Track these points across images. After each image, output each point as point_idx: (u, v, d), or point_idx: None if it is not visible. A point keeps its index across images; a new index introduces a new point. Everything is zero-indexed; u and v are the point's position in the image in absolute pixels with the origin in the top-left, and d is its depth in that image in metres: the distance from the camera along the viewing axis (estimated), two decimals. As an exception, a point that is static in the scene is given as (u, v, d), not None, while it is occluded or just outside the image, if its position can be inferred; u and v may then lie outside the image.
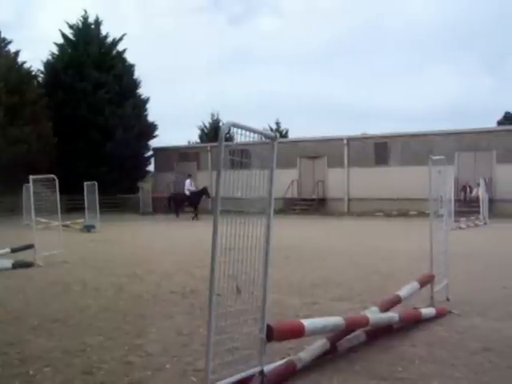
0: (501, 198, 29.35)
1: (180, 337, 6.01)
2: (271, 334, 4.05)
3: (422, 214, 24.22)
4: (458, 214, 25.06)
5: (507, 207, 28.66)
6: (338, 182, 34.23)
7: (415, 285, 6.75)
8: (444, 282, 7.56)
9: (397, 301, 6.24)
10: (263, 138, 4.23)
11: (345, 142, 34.52)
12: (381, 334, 5.76)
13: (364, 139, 35.09)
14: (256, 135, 4.01)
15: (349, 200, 34.02)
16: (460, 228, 21.09)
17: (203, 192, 31.22)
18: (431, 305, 6.92)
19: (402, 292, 6.44)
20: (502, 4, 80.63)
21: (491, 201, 27.67)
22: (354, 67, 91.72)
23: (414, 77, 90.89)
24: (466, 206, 29.06)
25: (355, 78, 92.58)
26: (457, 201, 27.79)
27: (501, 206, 28.96)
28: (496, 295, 8.07)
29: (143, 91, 41.34)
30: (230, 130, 3.65)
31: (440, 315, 6.71)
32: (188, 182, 31.67)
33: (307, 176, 35.64)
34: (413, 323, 6.25)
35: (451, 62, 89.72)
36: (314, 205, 34.29)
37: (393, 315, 5.76)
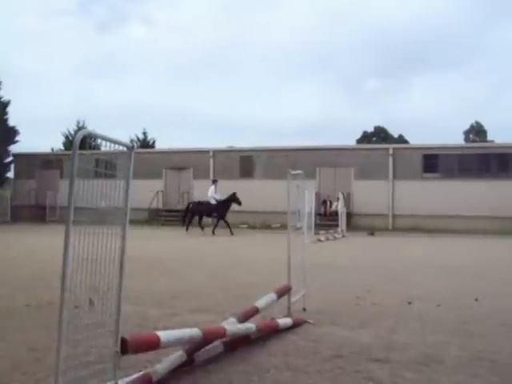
0: (358, 211, 30.94)
1: (32, 352, 5.72)
2: (125, 347, 3.97)
3: (284, 227, 24.78)
4: (319, 226, 26.11)
5: (363, 220, 30.25)
6: (203, 193, 34.33)
7: (273, 296, 6.90)
8: (301, 292, 7.80)
9: (254, 311, 6.35)
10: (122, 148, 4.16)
11: (211, 154, 34.86)
12: (239, 344, 5.83)
13: (230, 152, 35.57)
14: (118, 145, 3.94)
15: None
16: (320, 240, 21.89)
17: (232, 200, 27.13)
18: (288, 315, 7.11)
19: (260, 303, 6.56)
20: (361, 28, 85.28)
21: (349, 214, 29.09)
22: (222, 80, 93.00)
23: (280, 93, 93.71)
24: (326, 219, 30.33)
25: (223, 90, 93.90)
26: (317, 214, 28.93)
27: (357, 220, 30.52)
28: (349, 305, 8.44)
29: (3, 94, 39.40)
30: (90, 138, 3.58)
31: (297, 325, 6.89)
32: (212, 188, 27.12)
33: (173, 187, 35.51)
34: (270, 333, 6.38)
35: (314, 81, 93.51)
36: (179, 216, 34.19)
37: (250, 326, 5.85)
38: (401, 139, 61.51)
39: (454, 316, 7.74)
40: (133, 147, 3.89)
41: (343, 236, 25.08)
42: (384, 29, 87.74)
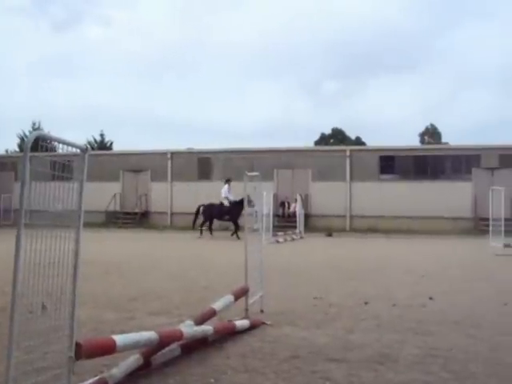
0: (315, 213, 31.18)
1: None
2: (80, 352, 3.91)
3: (242, 229, 24.87)
4: (277, 228, 26.20)
5: (321, 221, 30.51)
6: (161, 195, 34.21)
7: (230, 298, 6.90)
8: (259, 294, 7.82)
9: (212, 314, 6.34)
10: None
11: (169, 156, 34.66)
12: (196, 347, 5.81)
13: (188, 154, 35.45)
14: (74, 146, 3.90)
15: (172, 214, 34.11)
16: (278, 242, 21.97)
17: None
18: (246, 317, 7.12)
19: (217, 305, 6.56)
20: (320, 31, 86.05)
21: (307, 216, 29.28)
22: (182, 81, 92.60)
23: (240, 94, 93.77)
24: (285, 220, 30.47)
25: (183, 92, 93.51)
26: (276, 216, 29.04)
27: (315, 221, 30.76)
28: (306, 305, 8.50)
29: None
30: (43, 140, 3.53)
31: (254, 326, 6.91)
32: (226, 188, 24.99)
33: (130, 189, 35.21)
34: (228, 335, 6.38)
35: (273, 82, 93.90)
36: (136, 218, 33.94)
37: (207, 328, 5.84)
38: (358, 141, 62.18)
39: (410, 315, 7.86)
40: (86, 149, 3.84)
41: (301, 237, 25.24)
42: (342, 32, 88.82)
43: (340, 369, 5.28)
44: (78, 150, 3.87)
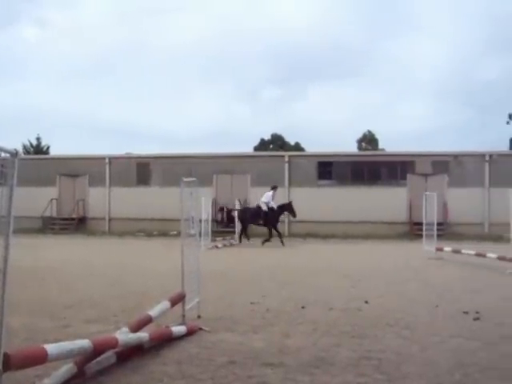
0: (254, 218, 31.24)
1: None
2: (8, 363, 3.80)
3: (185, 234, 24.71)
4: (216, 233, 26.16)
5: (259, 227, 30.60)
6: (99, 201, 33.65)
7: (166, 304, 6.86)
8: (196, 299, 7.79)
9: (148, 320, 6.28)
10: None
11: (107, 160, 34.13)
12: (132, 354, 5.75)
13: (126, 159, 35.01)
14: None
15: (110, 219, 33.59)
16: (216, 247, 21.94)
17: (285, 208, 24.59)
18: (183, 323, 7.08)
19: (153, 311, 6.51)
20: (259, 37, 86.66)
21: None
22: (121, 85, 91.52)
23: (180, 99, 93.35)
24: (223, 226, 30.43)
25: (122, 96, 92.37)
26: (214, 221, 28.99)
27: (254, 226, 30.80)
28: (244, 310, 8.53)
29: None
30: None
31: (191, 332, 6.89)
32: (270, 194, 24.37)
33: (67, 194, 34.48)
34: (164, 342, 6.33)
35: (214, 88, 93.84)
36: (74, 224, 33.26)
37: (143, 335, 5.79)
38: (297, 147, 62.70)
39: (345, 318, 8.00)
40: (16, 153, 3.75)
41: (240, 242, 25.23)
42: (282, 38, 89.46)
43: (276, 373, 5.32)
44: (8, 155, 3.78)
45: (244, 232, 24.57)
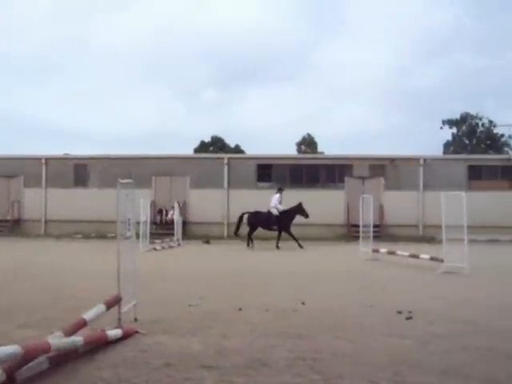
0: (193, 220, 31.22)
1: None
2: None
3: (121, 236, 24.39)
4: (155, 235, 25.98)
5: (199, 229, 30.60)
6: (35, 202, 32.87)
7: (102, 307, 6.77)
8: (132, 302, 7.71)
9: (83, 324, 6.19)
10: None
11: (43, 161, 33.38)
12: (66, 359, 5.65)
13: (64, 160, 34.33)
14: None
15: (46, 221, 32.86)
16: (155, 249, 21.76)
17: (297, 210, 24.18)
18: (118, 326, 7.00)
19: (88, 315, 6.41)
20: (198, 39, 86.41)
21: (185, 223, 29.19)
22: (60, 85, 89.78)
23: (120, 101, 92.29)
24: (163, 228, 30.27)
25: (61, 95, 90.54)
26: (153, 223, 28.77)
27: (193, 228, 30.80)
28: (182, 313, 8.49)
29: None
30: None
31: (127, 335, 6.82)
32: (277, 197, 24.29)
33: (2, 196, 33.54)
34: (100, 345, 6.25)
35: (154, 89, 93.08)
36: (8, 226, 32.39)
37: (77, 339, 5.69)
38: (237, 149, 62.86)
39: (282, 320, 8.07)
40: None
41: (179, 245, 25.12)
42: (223, 41, 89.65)
43: (212, 375, 5.34)
44: None
45: (249, 236, 23.96)
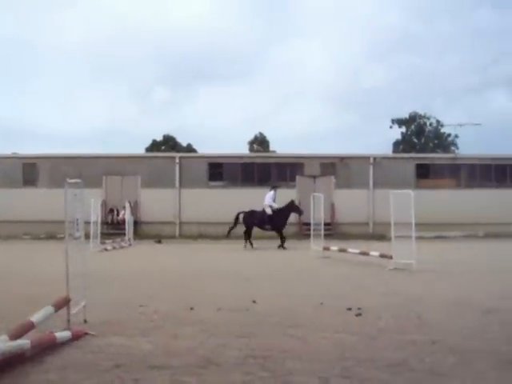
0: (145, 220, 31.02)
1: None
2: None
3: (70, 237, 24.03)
4: (106, 236, 25.69)
5: (151, 228, 30.40)
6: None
7: (50, 309, 6.67)
8: (82, 303, 7.62)
9: (30, 327, 6.08)
10: None
11: (-10, 160, 32.65)
12: (12, 363, 5.54)
13: (12, 159, 33.59)
14: None
15: (-7, 223, 32.12)
16: (106, 250, 21.52)
17: (291, 209, 23.73)
18: (67, 328, 6.91)
19: (36, 317, 6.30)
20: (149, 38, 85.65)
21: (136, 223, 29.00)
22: (8, 82, 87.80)
23: (70, 99, 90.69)
24: (114, 228, 29.96)
25: (7, 93, 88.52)
26: (104, 223, 28.45)
27: (145, 228, 30.59)
28: (132, 314, 8.42)
29: None
30: None
31: (76, 337, 6.73)
32: (271, 195, 23.65)
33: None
34: (48, 348, 6.15)
35: (105, 88, 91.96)
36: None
37: (24, 342, 5.59)
38: (189, 148, 62.64)
39: (233, 318, 8.11)
40: None
41: (130, 244, 24.92)
42: (174, 39, 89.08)
43: (162, 375, 5.33)
44: None
45: (246, 236, 23.61)
